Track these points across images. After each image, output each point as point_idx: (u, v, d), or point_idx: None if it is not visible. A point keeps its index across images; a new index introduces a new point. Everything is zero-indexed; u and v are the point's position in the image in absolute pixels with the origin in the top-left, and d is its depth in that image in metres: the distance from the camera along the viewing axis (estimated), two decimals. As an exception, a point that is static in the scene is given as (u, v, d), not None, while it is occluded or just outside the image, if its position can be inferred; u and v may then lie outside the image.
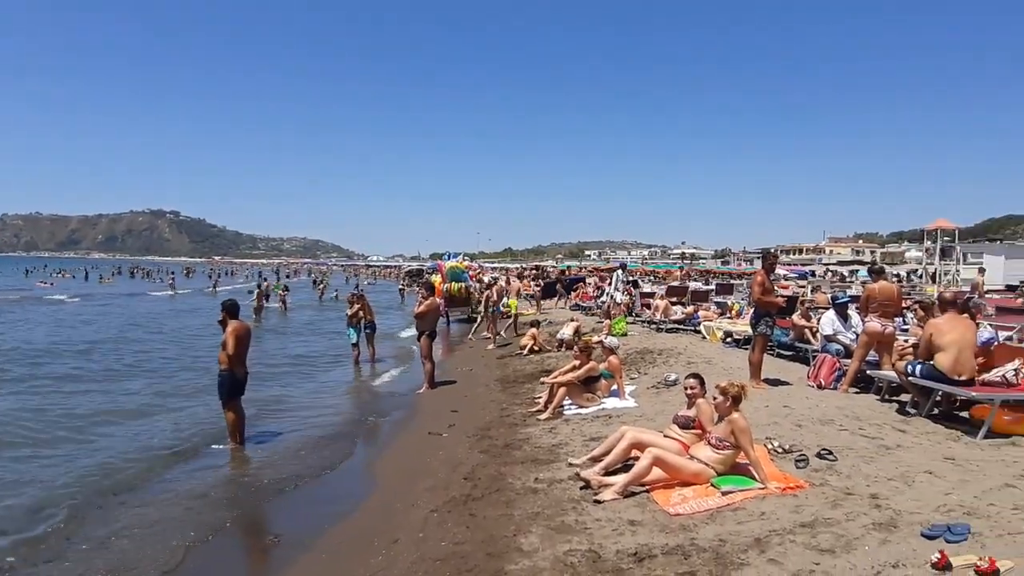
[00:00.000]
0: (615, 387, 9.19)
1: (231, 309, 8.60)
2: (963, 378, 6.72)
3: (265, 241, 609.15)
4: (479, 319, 21.40)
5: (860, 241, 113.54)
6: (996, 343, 8.16)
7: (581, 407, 8.69)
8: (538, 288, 29.16)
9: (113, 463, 7.63)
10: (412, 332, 14.84)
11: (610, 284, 19.95)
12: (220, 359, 8.40)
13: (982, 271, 22.52)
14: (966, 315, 7.42)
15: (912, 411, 7.28)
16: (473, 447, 7.59)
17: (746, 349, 10.30)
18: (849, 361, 8.80)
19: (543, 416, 8.52)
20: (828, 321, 10.09)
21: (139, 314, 30.09)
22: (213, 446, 8.44)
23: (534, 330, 16.65)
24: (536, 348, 15.25)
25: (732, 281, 34.50)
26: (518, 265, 77.08)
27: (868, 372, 8.51)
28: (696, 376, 6.20)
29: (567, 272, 44.30)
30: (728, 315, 16.92)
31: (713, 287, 24.33)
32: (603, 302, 20.23)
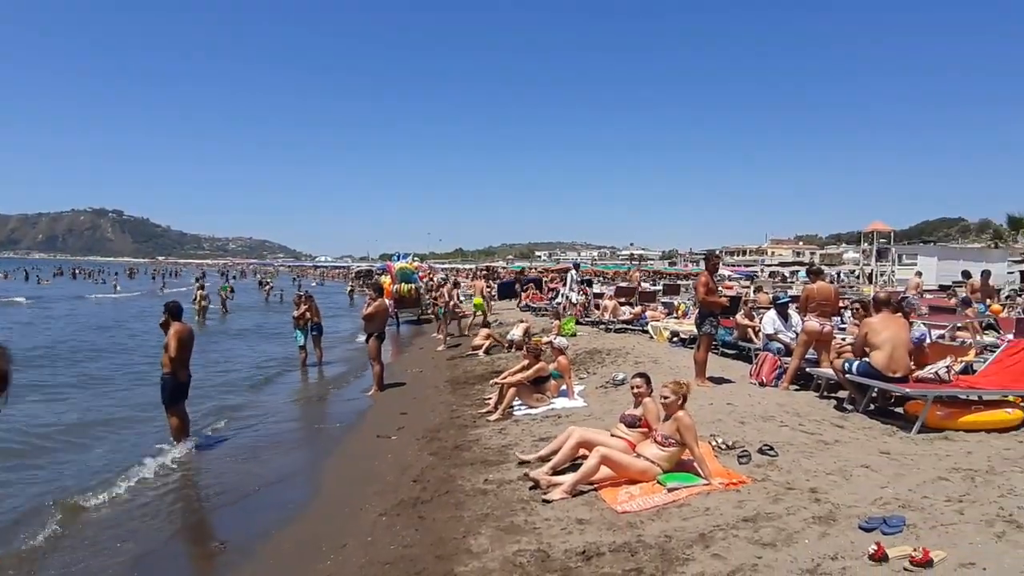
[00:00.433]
0: (564, 387, 9.25)
1: (174, 311, 8.39)
2: (898, 375, 6.98)
3: (210, 241, 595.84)
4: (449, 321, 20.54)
5: (801, 243, 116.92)
6: (928, 340, 8.49)
7: (531, 407, 8.72)
8: (489, 288, 29.15)
9: (56, 474, 7.37)
10: (361, 334, 14.66)
11: (565, 285, 20.04)
12: (163, 362, 8.18)
13: (919, 275, 23.42)
14: (900, 314, 7.69)
15: (849, 407, 7.51)
16: (422, 449, 7.53)
17: (692, 348, 10.48)
18: (790, 359, 9.04)
19: (493, 417, 8.52)
20: (769, 321, 10.35)
21: (85, 316, 28.93)
22: (156, 446, 8.20)
23: (486, 330, 16.64)
24: (488, 351, 15.23)
25: (679, 282, 35.06)
26: (471, 266, 76.95)
27: (808, 370, 8.76)
28: (642, 375, 6.29)
29: (524, 272, 44.45)
30: (675, 315, 17.20)
31: (660, 288, 24.65)
32: (558, 303, 20.33)
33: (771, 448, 5.88)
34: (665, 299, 20.75)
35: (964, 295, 15.47)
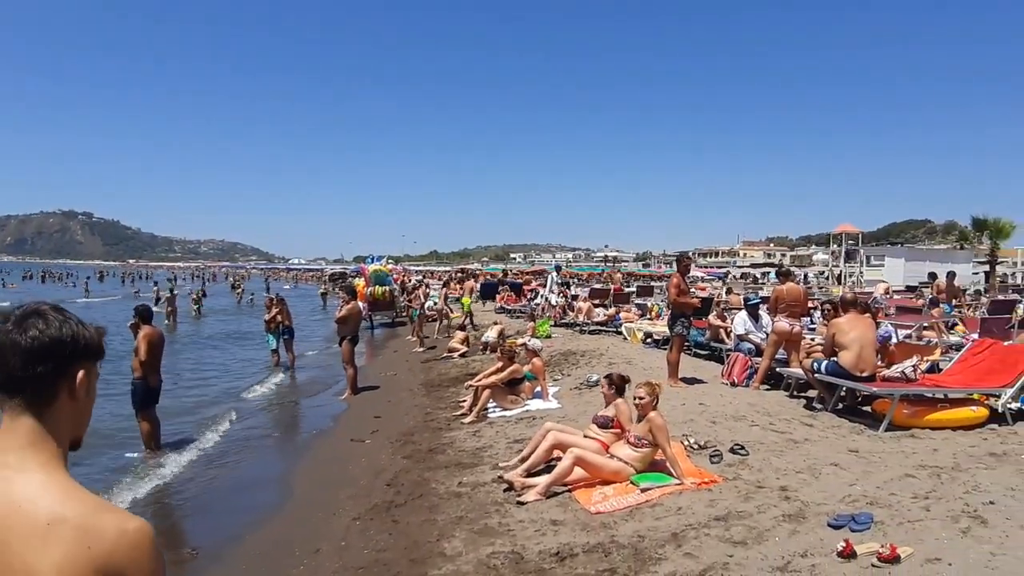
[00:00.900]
0: (539, 389, 9.26)
1: (143, 314, 8.31)
2: (865, 374, 7.10)
3: (182, 244, 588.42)
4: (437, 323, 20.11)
5: (772, 245, 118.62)
6: (893, 339, 8.65)
7: (505, 409, 8.72)
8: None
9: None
10: (334, 337, 14.54)
11: (544, 286, 20.05)
12: (133, 366, 8.06)
13: (885, 283, 23.80)
14: (867, 315, 7.83)
15: (819, 406, 7.63)
16: (396, 453, 7.50)
17: (665, 349, 10.56)
18: (760, 359, 9.16)
19: (467, 419, 8.50)
20: (740, 321, 10.48)
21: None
22: (127, 454, 8.10)
23: (463, 333, 16.61)
24: (464, 354, 15.19)
25: (652, 283, 35.32)
26: (446, 268, 76.73)
27: (778, 370, 8.87)
28: (608, 377, 6.35)
29: (506, 274, 44.47)
30: (648, 316, 17.32)
31: (634, 289, 24.79)
32: (537, 304, 20.36)
33: (742, 447, 5.95)
34: (639, 300, 20.87)
35: (931, 296, 15.78)
